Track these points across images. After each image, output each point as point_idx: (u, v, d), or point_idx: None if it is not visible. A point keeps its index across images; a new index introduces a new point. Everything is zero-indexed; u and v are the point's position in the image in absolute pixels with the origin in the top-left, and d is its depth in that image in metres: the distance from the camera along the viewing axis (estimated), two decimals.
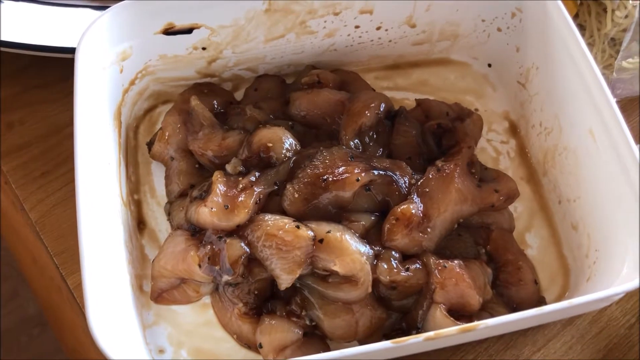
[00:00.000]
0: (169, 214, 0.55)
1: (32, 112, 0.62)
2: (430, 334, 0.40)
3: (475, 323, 0.41)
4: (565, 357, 0.52)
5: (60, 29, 0.60)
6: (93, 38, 0.51)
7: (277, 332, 0.49)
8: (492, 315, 0.50)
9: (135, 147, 0.59)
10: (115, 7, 0.51)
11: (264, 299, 0.51)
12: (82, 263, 0.43)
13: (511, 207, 0.57)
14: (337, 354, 0.40)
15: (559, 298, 0.54)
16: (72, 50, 0.58)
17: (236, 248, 0.49)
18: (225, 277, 0.49)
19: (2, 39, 0.59)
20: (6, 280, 1.32)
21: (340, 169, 0.51)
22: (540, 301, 0.53)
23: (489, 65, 0.64)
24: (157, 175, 0.57)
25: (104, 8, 0.63)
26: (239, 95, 0.62)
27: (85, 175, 0.46)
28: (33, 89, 0.63)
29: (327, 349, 0.50)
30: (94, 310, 0.42)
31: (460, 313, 0.49)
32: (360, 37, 0.60)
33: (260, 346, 0.49)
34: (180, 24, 0.54)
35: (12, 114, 0.61)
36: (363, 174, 0.51)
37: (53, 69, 0.63)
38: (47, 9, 0.62)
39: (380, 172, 0.51)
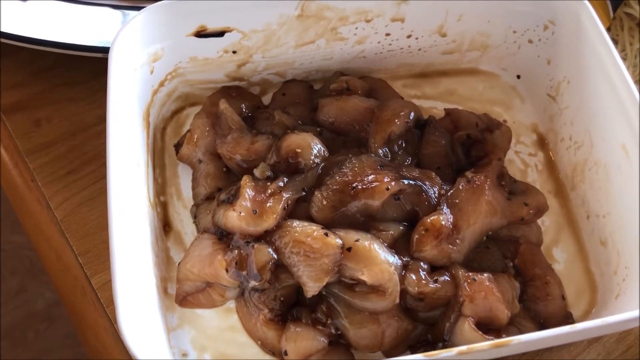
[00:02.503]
0: (195, 216, 0.55)
1: (59, 110, 0.62)
2: (463, 348, 0.40)
3: (509, 339, 0.41)
4: None
5: (86, 28, 0.60)
6: (127, 39, 0.51)
7: (303, 339, 0.48)
8: (520, 330, 0.49)
9: (162, 149, 0.58)
10: (149, 8, 0.51)
11: (290, 306, 0.51)
12: (113, 265, 0.43)
13: (539, 221, 0.56)
14: None
15: (586, 314, 0.53)
16: (99, 49, 0.59)
17: (264, 254, 0.49)
18: (252, 283, 0.49)
19: (29, 36, 0.59)
20: (14, 275, 1.32)
21: (370, 177, 0.51)
22: (568, 317, 0.52)
23: (518, 77, 0.64)
24: (183, 177, 0.57)
25: (131, 8, 0.63)
26: (266, 99, 0.62)
27: (116, 176, 0.46)
28: (59, 87, 0.63)
29: (352, 358, 0.50)
30: (124, 312, 0.42)
31: (488, 327, 0.48)
32: (390, 44, 0.60)
33: (286, 353, 0.48)
34: (212, 26, 0.54)
35: (38, 112, 0.61)
36: (393, 183, 0.50)
37: (79, 67, 0.63)
38: (72, 6, 0.62)
39: (410, 181, 0.51)
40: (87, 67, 0.62)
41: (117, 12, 0.63)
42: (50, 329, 1.26)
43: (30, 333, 1.25)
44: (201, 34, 0.54)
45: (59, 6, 0.62)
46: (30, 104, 0.62)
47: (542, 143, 0.61)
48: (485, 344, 0.40)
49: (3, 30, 0.59)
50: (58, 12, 0.61)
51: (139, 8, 0.59)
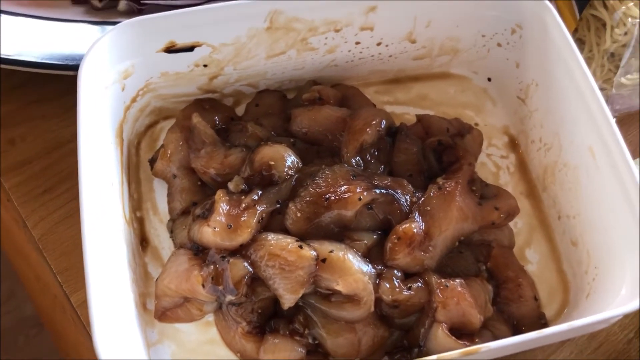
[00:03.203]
0: (171, 231, 0.55)
1: (33, 127, 0.62)
2: (433, 357, 0.41)
3: (478, 346, 0.42)
4: None
5: (58, 45, 0.60)
6: (95, 58, 0.51)
7: (281, 350, 0.49)
8: (493, 333, 0.50)
9: (137, 164, 0.59)
10: (118, 27, 0.51)
11: (267, 318, 0.52)
12: (88, 282, 0.44)
13: (511, 223, 0.57)
14: None
15: (559, 314, 0.54)
16: (71, 67, 0.59)
17: (239, 268, 0.49)
18: (229, 297, 0.49)
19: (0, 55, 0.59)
20: (3, 280, 1.32)
21: (343, 188, 0.51)
22: (541, 317, 0.53)
23: (489, 80, 0.64)
24: (159, 192, 0.58)
25: (102, 23, 0.63)
26: (240, 110, 0.62)
27: (89, 195, 0.46)
28: (32, 105, 0.63)
29: None
30: (100, 330, 0.42)
31: (461, 331, 0.49)
32: (360, 52, 0.61)
33: None
34: (181, 42, 0.54)
35: (12, 131, 0.61)
36: (365, 193, 0.51)
37: (52, 84, 0.63)
38: (44, 24, 0.62)
39: (382, 190, 0.52)
40: (61, 83, 0.62)
41: (95, 28, 0.63)
42: (40, 334, 1.26)
43: (20, 338, 1.25)
44: (171, 49, 0.55)
45: (28, 23, 0.62)
46: (4, 122, 0.62)
47: (513, 145, 0.62)
48: (456, 352, 0.41)
49: None
50: (27, 29, 0.61)
51: (115, 23, 0.59)
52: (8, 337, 1.25)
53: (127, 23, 0.52)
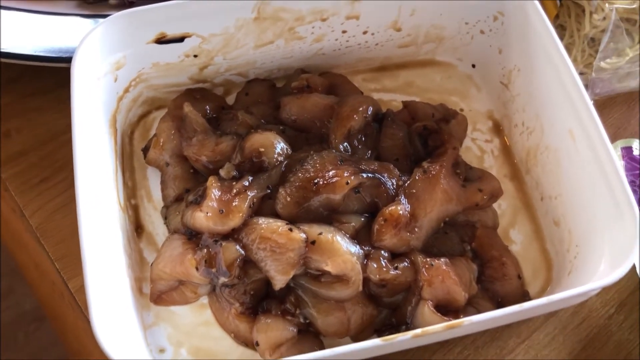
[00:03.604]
0: (165, 217, 0.57)
1: (28, 120, 0.63)
2: (418, 331, 0.43)
3: (460, 320, 0.43)
4: (548, 348, 0.55)
5: (52, 38, 0.61)
6: (88, 50, 0.52)
7: (273, 330, 0.51)
8: (478, 310, 0.52)
9: (131, 153, 0.60)
10: (108, 19, 0.53)
11: (259, 299, 0.53)
12: (85, 268, 0.45)
13: (495, 205, 0.59)
14: (328, 353, 0.42)
15: (542, 291, 0.56)
16: (64, 60, 0.60)
17: (232, 251, 0.51)
18: (222, 279, 0.51)
19: None
20: (2, 277, 1.33)
21: (331, 173, 0.53)
22: (525, 295, 0.55)
23: (473, 66, 0.66)
24: (152, 179, 0.59)
25: (94, 16, 0.64)
26: (230, 99, 0.64)
27: (84, 184, 0.48)
28: (28, 97, 0.64)
29: (321, 345, 0.52)
30: (97, 314, 0.44)
31: (447, 308, 0.51)
32: (347, 41, 0.62)
33: (257, 344, 0.51)
34: (171, 33, 0.56)
35: (8, 123, 0.63)
36: (352, 177, 0.53)
37: (46, 77, 0.65)
38: (37, 17, 0.63)
39: (369, 174, 0.53)
40: (55, 76, 0.64)
41: (87, 21, 0.64)
42: (40, 329, 1.27)
43: (20, 334, 1.26)
44: (161, 40, 0.56)
45: (23, 17, 0.63)
46: (0, 116, 0.63)
47: (497, 129, 0.64)
48: (440, 326, 0.43)
49: None
50: (22, 23, 0.62)
51: (106, 16, 0.60)
52: (7, 332, 1.26)
53: (118, 15, 0.53)
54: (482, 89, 0.65)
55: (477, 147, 0.63)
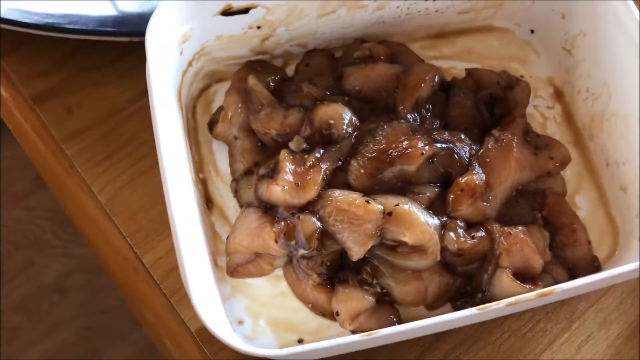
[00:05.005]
0: (235, 191, 0.57)
1: (88, 95, 0.63)
2: (511, 299, 0.43)
3: (552, 287, 0.44)
4: (617, 311, 0.56)
5: (104, 12, 0.61)
6: (159, 23, 0.51)
7: (353, 299, 0.52)
8: (552, 277, 0.53)
9: (195, 127, 0.60)
10: None
11: (335, 270, 0.54)
12: (177, 244, 0.46)
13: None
14: (427, 322, 0.43)
15: (610, 256, 0.57)
16: (124, 34, 0.59)
17: (310, 224, 0.51)
18: (301, 251, 0.52)
19: (48, 23, 0.59)
20: (19, 249, 1.33)
21: (404, 144, 0.53)
22: (594, 260, 0.56)
23: (532, 32, 0.65)
24: (219, 153, 0.59)
25: None
26: (289, 70, 0.63)
27: (167, 157, 0.48)
28: (84, 72, 0.64)
29: (397, 313, 0.53)
30: (194, 289, 0.44)
31: (523, 276, 0.52)
32: (408, 8, 0.61)
33: (337, 314, 0.52)
34: (237, 4, 0.55)
35: (68, 99, 0.62)
36: (427, 148, 0.53)
37: (102, 51, 0.64)
38: None
39: (443, 144, 0.53)
40: (111, 50, 0.63)
41: None
42: (63, 300, 1.29)
43: (43, 305, 1.28)
44: (227, 12, 0.55)
45: None
46: (59, 92, 0.62)
47: (558, 95, 0.63)
48: (532, 294, 0.44)
49: (21, 19, 0.60)
50: None
51: None
52: (31, 304, 1.28)
53: None
54: (541, 54, 0.65)
55: (540, 114, 0.63)
